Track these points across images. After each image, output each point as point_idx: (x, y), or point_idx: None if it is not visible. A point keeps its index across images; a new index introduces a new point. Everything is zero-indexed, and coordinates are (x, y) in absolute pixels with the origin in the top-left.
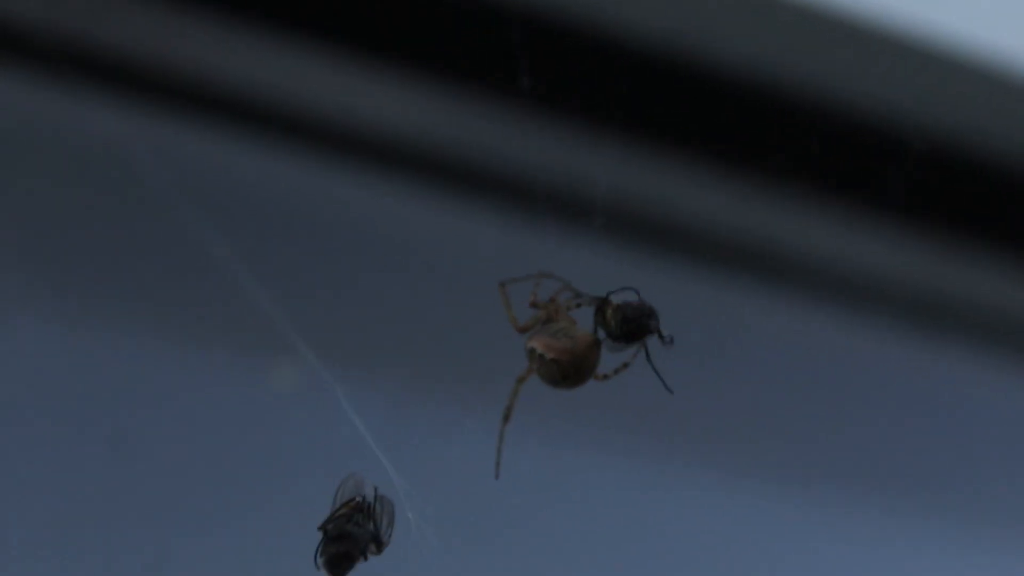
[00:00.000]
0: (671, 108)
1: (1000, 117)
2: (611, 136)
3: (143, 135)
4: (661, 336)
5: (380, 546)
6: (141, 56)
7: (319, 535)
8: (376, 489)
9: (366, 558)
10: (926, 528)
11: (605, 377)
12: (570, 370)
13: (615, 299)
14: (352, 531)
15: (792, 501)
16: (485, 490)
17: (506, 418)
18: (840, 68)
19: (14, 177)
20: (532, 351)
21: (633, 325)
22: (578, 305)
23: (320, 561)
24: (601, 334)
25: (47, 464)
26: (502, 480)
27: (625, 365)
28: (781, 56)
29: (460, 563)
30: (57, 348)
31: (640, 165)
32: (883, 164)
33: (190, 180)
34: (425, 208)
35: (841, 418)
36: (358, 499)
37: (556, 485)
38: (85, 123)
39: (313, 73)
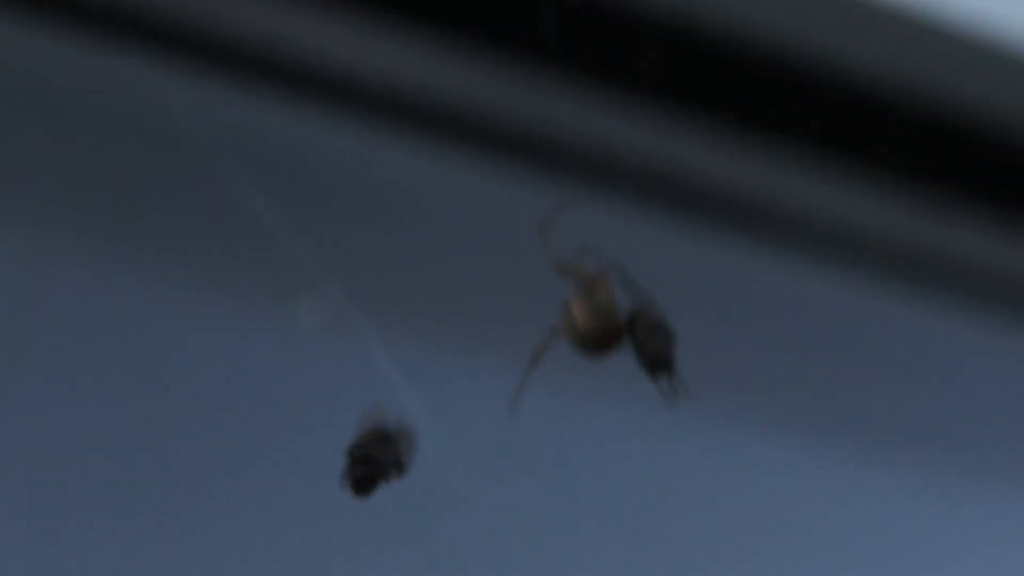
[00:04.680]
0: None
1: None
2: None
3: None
4: (674, 385)
5: (401, 470)
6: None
7: (345, 459)
8: (398, 419)
9: (388, 481)
10: (921, 481)
11: None
12: (593, 351)
13: (651, 315)
14: (376, 455)
15: (790, 454)
16: (503, 426)
17: (534, 361)
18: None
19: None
20: (570, 311)
21: (653, 365)
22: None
23: (347, 482)
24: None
25: (80, 405)
26: (521, 420)
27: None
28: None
29: (475, 490)
30: (97, 292)
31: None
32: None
33: (226, 134)
34: (460, 170)
35: (847, 374)
36: (381, 427)
37: (572, 430)
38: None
39: (348, 32)
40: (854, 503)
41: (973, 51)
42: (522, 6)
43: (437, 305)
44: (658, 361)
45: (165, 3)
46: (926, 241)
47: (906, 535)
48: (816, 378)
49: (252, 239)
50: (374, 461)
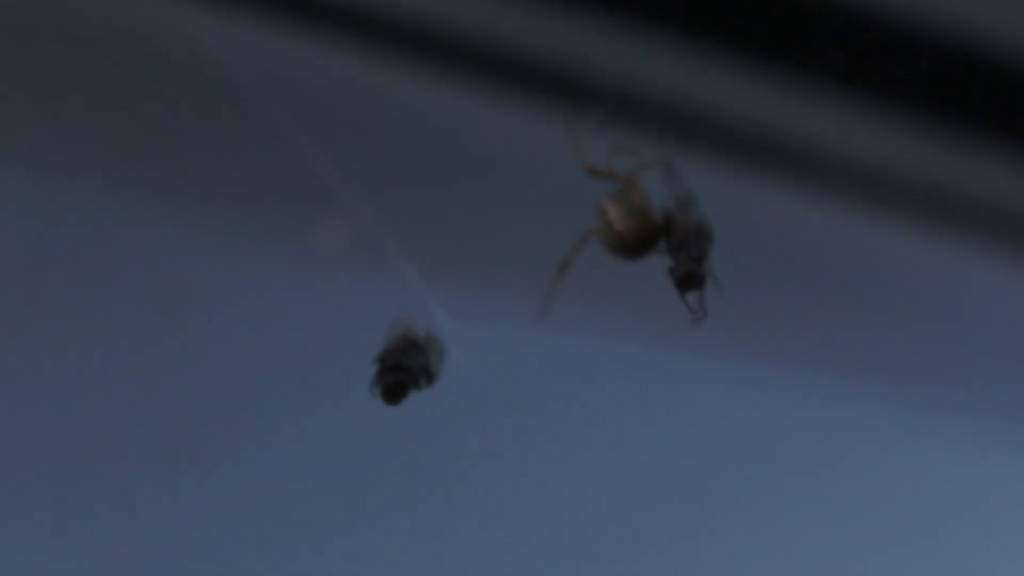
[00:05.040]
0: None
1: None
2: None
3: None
4: (702, 301)
5: (431, 378)
6: None
7: (375, 366)
8: (427, 328)
9: (419, 389)
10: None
11: None
12: (628, 253)
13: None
14: (406, 362)
15: (791, 388)
16: (530, 335)
17: (563, 268)
18: None
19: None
20: (604, 211)
21: (682, 282)
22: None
23: (376, 390)
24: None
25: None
26: (546, 331)
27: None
28: None
29: (506, 398)
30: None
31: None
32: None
33: (254, 62)
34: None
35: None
36: (411, 335)
37: (600, 341)
38: None
39: None
40: (868, 439)
41: None
42: None
43: (465, 223)
44: (687, 278)
45: None
46: (946, 174)
47: (911, 471)
48: (827, 310)
49: (281, 164)
50: (404, 368)
